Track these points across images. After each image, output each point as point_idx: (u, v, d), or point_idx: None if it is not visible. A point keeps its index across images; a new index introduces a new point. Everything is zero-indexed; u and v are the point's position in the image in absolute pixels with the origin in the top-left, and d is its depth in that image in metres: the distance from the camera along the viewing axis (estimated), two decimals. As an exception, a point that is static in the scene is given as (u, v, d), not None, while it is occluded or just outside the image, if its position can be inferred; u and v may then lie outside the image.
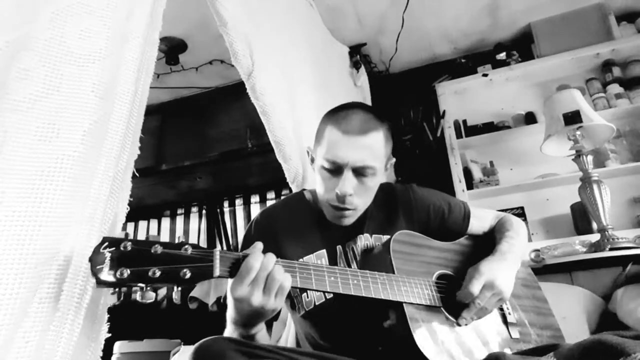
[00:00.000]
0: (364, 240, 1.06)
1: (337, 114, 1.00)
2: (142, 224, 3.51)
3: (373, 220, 1.09)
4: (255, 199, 3.27)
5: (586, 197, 2.02)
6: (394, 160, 1.08)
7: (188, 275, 0.66)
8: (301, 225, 1.08)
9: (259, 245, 0.75)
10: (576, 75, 2.67)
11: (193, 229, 3.36)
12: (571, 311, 1.64)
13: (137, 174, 0.84)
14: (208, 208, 3.36)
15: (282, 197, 1.30)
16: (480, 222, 1.18)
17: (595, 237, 2.05)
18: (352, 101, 1.07)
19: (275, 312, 0.78)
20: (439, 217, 1.13)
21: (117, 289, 3.09)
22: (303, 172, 1.58)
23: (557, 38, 2.63)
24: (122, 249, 0.63)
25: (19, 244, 0.62)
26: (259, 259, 0.72)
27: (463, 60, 2.94)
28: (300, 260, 0.96)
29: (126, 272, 0.62)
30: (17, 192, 0.63)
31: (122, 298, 3.30)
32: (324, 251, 1.04)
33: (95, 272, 0.60)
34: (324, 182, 1.00)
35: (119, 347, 2.54)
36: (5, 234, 0.61)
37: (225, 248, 3.21)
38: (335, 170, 0.97)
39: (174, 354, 2.24)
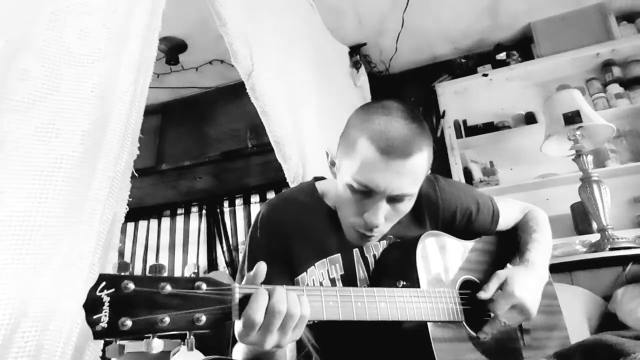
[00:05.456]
0: (387, 244, 0.98)
1: (373, 122, 0.81)
2: (142, 224, 3.50)
3: (398, 222, 0.99)
4: (255, 199, 3.26)
5: (586, 197, 2.01)
6: (428, 172, 0.91)
7: (203, 321, 0.55)
8: (313, 225, 0.96)
9: (260, 269, 0.63)
10: (576, 75, 2.67)
11: (193, 229, 3.36)
12: (571, 311, 1.64)
13: (136, 174, 0.84)
14: (208, 208, 3.35)
15: (290, 189, 1.12)
16: (506, 220, 1.10)
17: (595, 237, 2.04)
18: (389, 101, 0.86)
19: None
20: (466, 219, 1.05)
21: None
22: (303, 172, 1.58)
23: (557, 38, 2.63)
24: (123, 290, 0.52)
25: (18, 244, 0.62)
26: (262, 306, 0.58)
27: (463, 60, 2.94)
28: (309, 272, 0.91)
29: (129, 323, 0.51)
30: (17, 192, 0.63)
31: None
32: (338, 256, 0.94)
33: (91, 324, 0.50)
34: (349, 204, 0.86)
35: (119, 347, 2.53)
36: (5, 234, 0.61)
37: (225, 248, 3.20)
38: (367, 193, 0.82)
39: (174, 354, 2.24)
